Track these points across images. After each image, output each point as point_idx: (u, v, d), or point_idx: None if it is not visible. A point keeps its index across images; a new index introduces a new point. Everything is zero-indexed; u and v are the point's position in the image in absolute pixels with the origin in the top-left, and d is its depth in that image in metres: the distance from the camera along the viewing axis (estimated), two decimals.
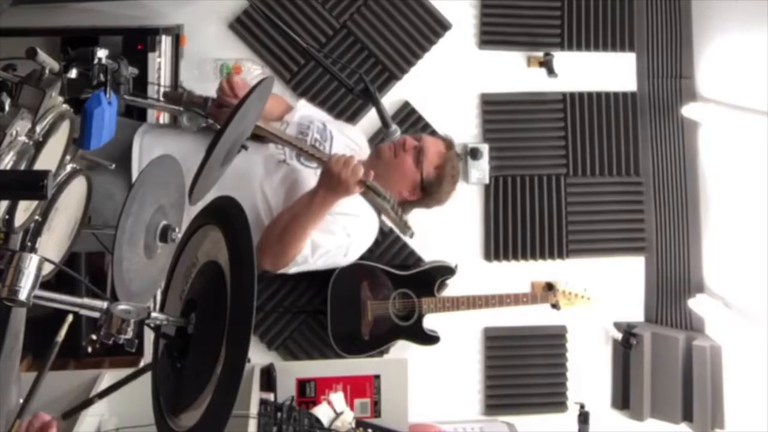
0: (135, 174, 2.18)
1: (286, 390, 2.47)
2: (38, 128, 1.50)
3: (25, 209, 1.54)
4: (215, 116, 2.17)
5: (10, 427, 1.51)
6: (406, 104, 3.56)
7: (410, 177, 2.33)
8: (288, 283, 3.48)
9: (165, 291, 1.52)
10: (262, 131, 2.13)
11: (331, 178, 2.01)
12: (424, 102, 3.56)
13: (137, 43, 3.07)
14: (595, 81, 3.64)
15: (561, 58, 3.57)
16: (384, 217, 2.20)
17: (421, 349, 3.45)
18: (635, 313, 3.68)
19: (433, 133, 3.52)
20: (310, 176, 2.18)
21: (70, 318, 1.63)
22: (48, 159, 1.55)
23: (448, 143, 2.42)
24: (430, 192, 2.39)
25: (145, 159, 2.19)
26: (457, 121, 3.59)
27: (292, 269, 2.22)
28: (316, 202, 2.07)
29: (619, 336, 3.61)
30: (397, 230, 2.18)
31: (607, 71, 3.65)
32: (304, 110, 2.47)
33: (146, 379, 1.51)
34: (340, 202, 2.10)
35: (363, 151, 2.46)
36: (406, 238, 3.54)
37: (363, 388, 2.56)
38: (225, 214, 1.33)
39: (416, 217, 3.54)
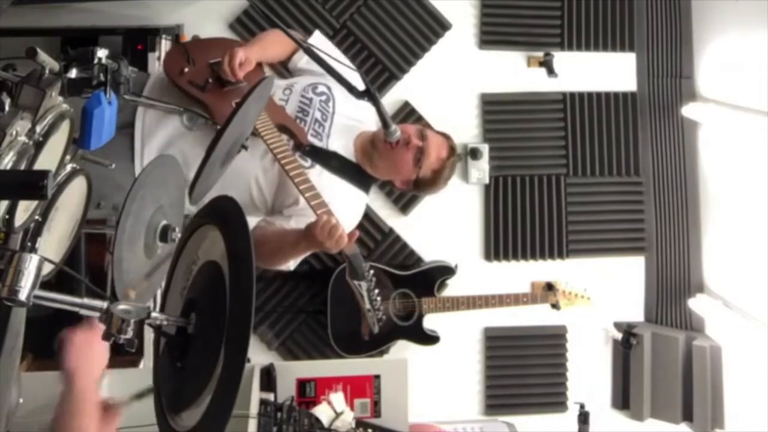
0: (137, 148, 2.19)
1: (286, 390, 2.47)
2: (38, 128, 1.50)
3: (25, 209, 1.54)
4: (213, 112, 2.16)
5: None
6: (406, 104, 3.56)
7: (406, 173, 2.31)
8: (288, 283, 3.48)
9: (166, 288, 1.52)
10: (258, 134, 2.11)
11: (314, 241, 2.01)
12: (424, 102, 3.56)
13: (137, 43, 3.07)
14: (595, 81, 3.65)
15: (561, 58, 3.57)
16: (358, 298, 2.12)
17: (421, 349, 3.45)
18: (635, 313, 3.69)
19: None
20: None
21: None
22: (48, 159, 1.55)
23: (452, 149, 2.38)
24: (421, 188, 2.41)
25: (146, 147, 2.19)
26: (457, 121, 3.59)
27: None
28: (299, 249, 2.15)
29: (619, 336, 3.61)
30: (365, 314, 2.11)
31: (607, 71, 3.65)
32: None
33: (146, 379, 1.51)
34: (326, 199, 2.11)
35: (370, 118, 2.42)
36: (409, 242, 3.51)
37: (363, 388, 2.56)
38: (223, 215, 1.33)
39: (416, 217, 3.57)
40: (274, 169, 2.20)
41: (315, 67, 2.34)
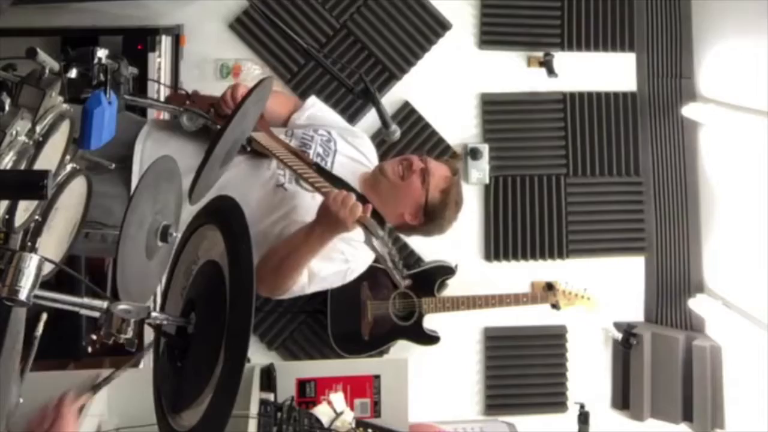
0: (134, 182, 2.16)
1: (286, 390, 2.47)
2: (38, 128, 1.49)
3: (25, 209, 1.54)
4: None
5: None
6: (406, 104, 3.56)
7: (416, 199, 2.24)
8: None
9: (166, 288, 1.52)
10: (264, 149, 2.10)
11: (328, 216, 1.94)
12: (424, 102, 3.56)
13: (137, 43, 3.07)
14: (595, 81, 3.65)
15: (561, 58, 3.57)
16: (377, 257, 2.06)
17: (421, 349, 3.45)
18: (635, 313, 3.69)
19: (435, 150, 3.53)
20: (308, 201, 2.11)
21: (44, 317, 1.64)
22: (48, 159, 1.55)
23: (454, 168, 2.33)
24: (432, 217, 2.30)
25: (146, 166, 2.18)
26: (457, 121, 3.60)
27: (288, 296, 2.21)
28: (313, 237, 2.03)
29: (619, 336, 3.61)
30: (390, 273, 2.06)
31: (607, 71, 3.65)
32: (313, 110, 2.41)
33: (146, 379, 1.50)
34: None
35: (370, 163, 2.41)
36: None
37: (363, 388, 2.55)
38: (224, 215, 1.33)
39: None
40: (276, 198, 2.16)
41: (314, 122, 2.34)
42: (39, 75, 1.52)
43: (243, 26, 3.49)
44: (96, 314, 1.24)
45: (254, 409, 2.23)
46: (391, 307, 3.40)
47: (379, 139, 2.57)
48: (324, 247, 2.06)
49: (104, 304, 1.23)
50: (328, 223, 1.97)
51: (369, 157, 2.39)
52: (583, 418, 3.07)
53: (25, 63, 1.54)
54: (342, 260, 2.17)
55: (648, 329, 3.59)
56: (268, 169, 2.16)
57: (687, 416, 3.50)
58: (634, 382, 3.60)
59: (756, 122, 3.02)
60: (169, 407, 1.31)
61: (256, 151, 2.12)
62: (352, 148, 2.35)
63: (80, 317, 2.66)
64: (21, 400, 1.64)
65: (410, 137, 3.53)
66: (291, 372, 2.52)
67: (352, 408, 2.48)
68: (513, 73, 3.62)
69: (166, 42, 3.19)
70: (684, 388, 3.49)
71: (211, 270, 1.31)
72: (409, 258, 3.55)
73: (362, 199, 2.20)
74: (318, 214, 1.99)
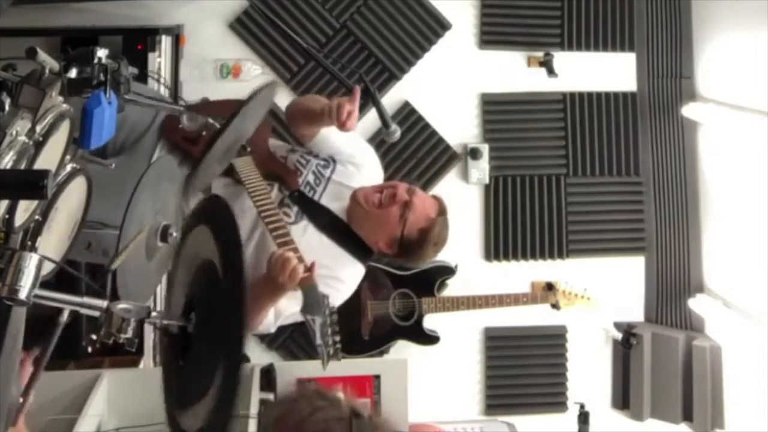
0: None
1: (286, 390, 2.47)
2: (38, 128, 1.49)
3: (25, 209, 1.54)
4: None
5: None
6: (406, 104, 3.56)
7: (390, 231, 2.13)
8: None
9: (170, 282, 1.49)
10: (240, 181, 2.05)
11: (270, 278, 1.89)
12: (424, 102, 3.57)
13: (137, 43, 3.07)
14: (595, 81, 3.65)
15: (561, 58, 3.57)
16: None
17: (421, 349, 3.45)
18: (635, 313, 3.69)
19: (435, 150, 3.52)
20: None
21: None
22: (48, 158, 1.55)
23: (441, 208, 2.21)
24: (407, 252, 2.19)
25: None
26: (457, 121, 3.60)
27: (254, 332, 2.17)
28: (266, 290, 1.96)
29: (619, 336, 3.61)
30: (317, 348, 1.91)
31: (607, 71, 3.65)
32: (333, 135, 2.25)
33: (146, 379, 1.51)
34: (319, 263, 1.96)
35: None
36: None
37: (363, 388, 2.56)
38: (211, 212, 1.31)
39: None
40: (253, 240, 2.09)
41: (324, 146, 2.22)
42: (39, 75, 1.51)
43: (243, 26, 3.49)
44: (96, 314, 1.24)
45: (254, 409, 2.23)
46: (391, 307, 3.40)
47: (379, 139, 2.56)
48: (281, 296, 1.97)
49: (104, 303, 1.23)
50: (273, 282, 1.89)
51: (371, 177, 2.30)
52: (583, 418, 3.08)
53: (25, 63, 1.53)
54: None
55: (648, 329, 3.59)
56: (245, 206, 2.11)
57: (687, 416, 3.50)
58: (634, 382, 3.60)
59: (756, 122, 3.02)
60: (172, 404, 1.31)
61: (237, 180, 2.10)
62: (353, 174, 2.25)
63: (80, 317, 2.65)
64: (21, 400, 1.64)
65: (410, 137, 3.53)
66: (291, 372, 2.52)
67: None
68: (513, 73, 3.62)
69: (166, 42, 3.20)
70: (684, 388, 3.49)
71: (210, 269, 1.31)
72: None
73: (339, 230, 2.13)
74: (266, 269, 1.91)
